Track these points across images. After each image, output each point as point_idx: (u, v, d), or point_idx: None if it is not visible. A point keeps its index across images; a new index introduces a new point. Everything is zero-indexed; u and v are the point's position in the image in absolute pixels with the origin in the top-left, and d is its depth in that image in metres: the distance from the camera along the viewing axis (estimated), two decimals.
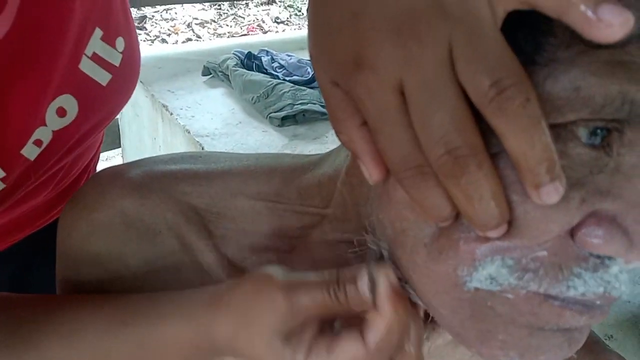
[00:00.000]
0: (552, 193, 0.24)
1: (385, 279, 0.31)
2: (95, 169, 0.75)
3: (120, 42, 0.55)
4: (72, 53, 0.50)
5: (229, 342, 0.35)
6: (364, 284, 0.31)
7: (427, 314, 0.44)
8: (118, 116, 1.92)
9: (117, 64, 0.55)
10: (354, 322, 0.33)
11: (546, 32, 0.26)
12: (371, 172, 0.29)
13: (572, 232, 0.27)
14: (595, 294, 0.27)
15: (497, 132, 0.24)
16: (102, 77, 0.54)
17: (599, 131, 0.26)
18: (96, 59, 0.53)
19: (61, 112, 0.51)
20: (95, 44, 0.52)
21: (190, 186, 0.43)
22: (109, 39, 0.53)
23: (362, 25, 0.26)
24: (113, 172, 0.44)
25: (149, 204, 0.42)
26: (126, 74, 0.58)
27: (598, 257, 0.27)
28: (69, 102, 0.52)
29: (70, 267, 0.43)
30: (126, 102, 0.62)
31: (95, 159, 0.74)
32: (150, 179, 0.43)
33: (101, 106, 0.56)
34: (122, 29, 0.56)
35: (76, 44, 0.50)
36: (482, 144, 0.25)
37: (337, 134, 0.30)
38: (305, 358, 0.32)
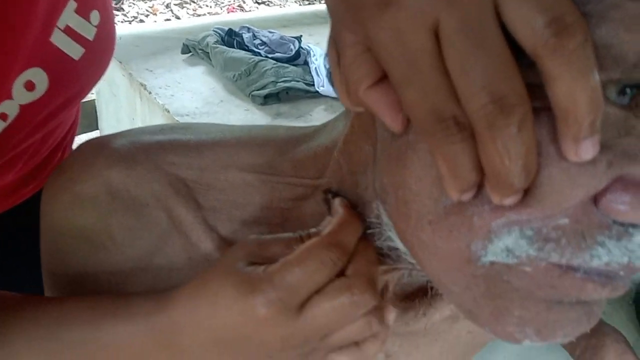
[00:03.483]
0: (589, 148, 0.22)
1: (342, 199, 0.35)
2: (70, 147, 0.72)
3: (95, 16, 0.53)
4: (43, 25, 0.48)
5: (188, 311, 0.34)
6: (326, 221, 0.35)
7: (425, 289, 0.42)
8: (95, 97, 1.87)
9: (90, 38, 0.53)
10: None
11: None
12: (394, 127, 0.27)
13: (596, 198, 0.25)
14: (619, 264, 0.25)
15: (549, 76, 0.21)
16: (75, 51, 0.52)
17: (628, 90, 0.24)
18: (69, 32, 0.51)
19: (29, 86, 0.49)
20: (69, 16, 0.50)
21: (179, 157, 0.42)
22: (83, 12, 0.51)
23: None
24: (98, 142, 0.42)
25: (135, 175, 0.40)
26: (100, 49, 0.56)
27: (622, 224, 0.25)
28: (38, 75, 0.50)
29: (54, 241, 0.42)
30: (99, 77, 0.59)
31: (69, 136, 0.71)
32: (137, 149, 0.41)
33: (73, 81, 0.54)
34: (97, 2, 0.54)
35: (48, 15, 0.48)
36: (527, 93, 0.22)
37: (348, 96, 0.27)
38: (264, 269, 0.33)
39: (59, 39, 0.49)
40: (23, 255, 0.66)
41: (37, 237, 0.45)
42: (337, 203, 0.35)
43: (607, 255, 0.25)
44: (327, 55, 0.29)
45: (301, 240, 0.34)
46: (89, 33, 0.52)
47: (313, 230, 0.35)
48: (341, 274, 0.33)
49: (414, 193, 0.28)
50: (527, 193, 0.25)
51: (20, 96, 0.49)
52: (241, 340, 0.33)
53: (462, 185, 0.25)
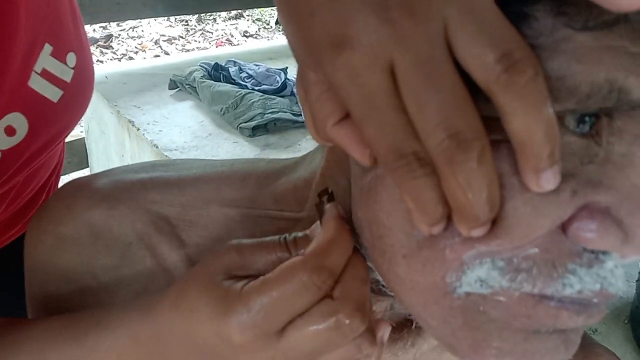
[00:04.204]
0: (550, 178, 0.23)
1: (334, 206, 0.31)
2: (55, 187, 0.72)
3: (71, 58, 0.54)
4: (20, 70, 0.48)
5: (167, 322, 0.33)
6: (315, 227, 0.32)
7: (411, 320, 0.42)
8: (84, 135, 1.87)
9: (68, 79, 0.54)
10: None
11: (528, 17, 0.24)
12: (362, 157, 0.26)
13: (564, 227, 0.25)
14: (592, 291, 0.25)
15: (503, 111, 0.22)
16: (53, 94, 0.52)
17: (587, 118, 0.25)
18: (46, 75, 0.51)
19: (10, 131, 0.50)
20: (45, 60, 0.51)
21: (161, 194, 0.41)
22: (59, 55, 0.52)
23: (340, 1, 0.23)
24: (79, 183, 0.43)
25: (118, 214, 0.40)
26: (78, 90, 0.56)
27: (592, 252, 0.25)
28: (18, 120, 0.50)
29: (38, 282, 0.42)
30: (79, 118, 0.60)
31: (54, 177, 0.71)
32: (118, 188, 0.41)
33: (52, 123, 0.55)
34: (73, 44, 0.55)
35: (24, 60, 0.48)
36: (483, 127, 0.22)
37: (317, 133, 0.27)
38: (241, 288, 0.30)
39: (36, 83, 0.50)
40: (9, 298, 0.65)
41: (18, 283, 0.45)
42: (329, 212, 0.32)
43: (579, 283, 0.25)
44: (297, 92, 0.29)
45: (285, 245, 0.32)
46: (66, 75, 0.53)
47: (299, 234, 0.32)
48: (328, 294, 0.31)
49: (387, 227, 0.28)
50: (495, 225, 0.25)
51: (1, 141, 0.49)
52: (220, 358, 0.32)
53: (430, 219, 0.25)
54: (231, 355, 0.31)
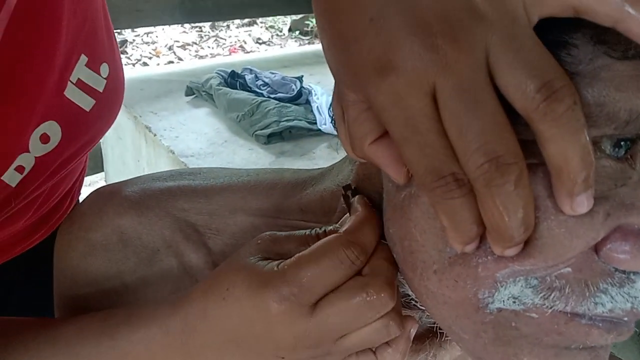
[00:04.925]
0: (584, 202, 0.23)
1: (361, 197, 0.34)
2: (79, 193, 0.73)
3: (104, 68, 0.55)
4: (58, 80, 0.49)
5: (200, 310, 0.33)
6: (345, 218, 0.33)
7: (434, 331, 0.42)
8: (100, 140, 1.89)
9: (100, 89, 0.54)
10: None
11: (568, 44, 0.24)
12: (397, 176, 0.28)
13: (597, 247, 0.26)
14: (622, 310, 0.26)
15: (541, 137, 0.22)
16: (86, 103, 0.53)
17: (622, 143, 0.25)
18: (81, 85, 0.52)
19: (45, 139, 0.50)
20: (81, 70, 0.52)
21: (189, 203, 0.42)
22: (93, 65, 0.53)
23: (385, 28, 0.24)
24: (109, 190, 0.43)
25: (147, 222, 0.41)
26: (110, 99, 0.57)
27: (624, 272, 0.26)
28: (52, 128, 0.51)
29: (68, 287, 0.43)
30: (109, 126, 0.61)
31: (78, 183, 0.72)
32: (147, 196, 0.42)
33: (84, 131, 0.56)
34: (106, 55, 0.55)
35: (62, 71, 0.49)
36: (521, 152, 0.23)
37: (353, 150, 0.28)
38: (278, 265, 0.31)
39: (71, 93, 0.51)
40: (30, 302, 0.66)
41: (45, 283, 0.45)
42: (356, 201, 0.34)
43: (611, 302, 0.26)
44: (333, 110, 0.30)
45: (317, 237, 0.33)
46: (99, 85, 0.54)
47: (329, 227, 0.34)
48: (358, 273, 0.32)
49: (419, 244, 0.29)
50: (529, 244, 0.25)
51: (36, 149, 0.50)
52: (253, 339, 0.32)
53: (464, 238, 0.25)
54: (267, 328, 0.31)
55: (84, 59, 0.51)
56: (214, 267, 0.42)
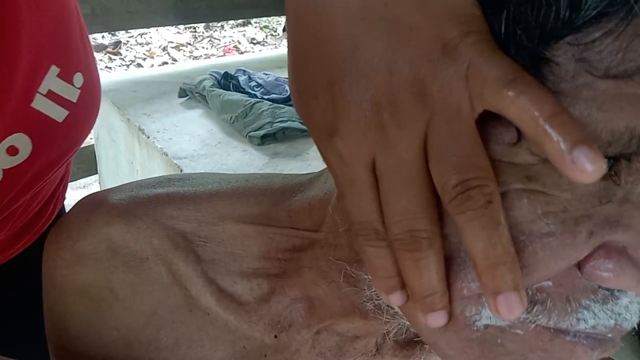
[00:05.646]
0: (514, 304, 0.24)
1: None
2: (63, 198, 0.72)
3: (78, 78, 0.53)
4: (22, 92, 0.48)
5: None
6: None
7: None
8: (94, 142, 1.88)
9: (74, 100, 0.53)
10: None
11: (550, 62, 0.24)
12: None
13: (580, 264, 0.26)
14: (606, 327, 0.26)
15: (457, 227, 0.24)
16: (58, 114, 0.52)
17: (606, 161, 0.25)
18: (51, 96, 0.51)
19: (12, 151, 0.49)
20: (51, 81, 0.50)
21: (177, 210, 0.42)
22: (66, 76, 0.52)
23: (338, 94, 0.26)
24: (97, 198, 0.43)
25: (135, 230, 0.41)
26: (85, 109, 0.56)
27: (607, 289, 0.26)
28: (21, 140, 0.50)
29: (56, 298, 0.42)
30: (86, 135, 0.60)
31: (61, 188, 0.71)
32: (135, 204, 0.42)
33: (58, 142, 0.54)
34: (81, 64, 0.54)
35: (27, 83, 0.48)
36: (439, 229, 0.26)
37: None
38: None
39: (41, 104, 0.50)
40: (12, 311, 0.65)
41: (28, 291, 0.45)
42: None
43: (593, 319, 0.25)
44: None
45: None
46: (72, 95, 0.52)
47: None
48: None
49: None
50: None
51: (3, 161, 0.48)
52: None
53: (384, 286, 0.28)
54: None
55: (54, 69, 0.50)
56: (203, 276, 0.41)
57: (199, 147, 1.38)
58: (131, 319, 0.41)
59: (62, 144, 0.55)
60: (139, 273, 0.41)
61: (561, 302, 0.26)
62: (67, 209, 0.48)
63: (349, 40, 0.25)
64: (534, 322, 0.26)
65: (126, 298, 0.41)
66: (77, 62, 0.53)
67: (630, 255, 0.25)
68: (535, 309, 0.26)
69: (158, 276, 0.41)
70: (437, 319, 0.27)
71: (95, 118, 0.60)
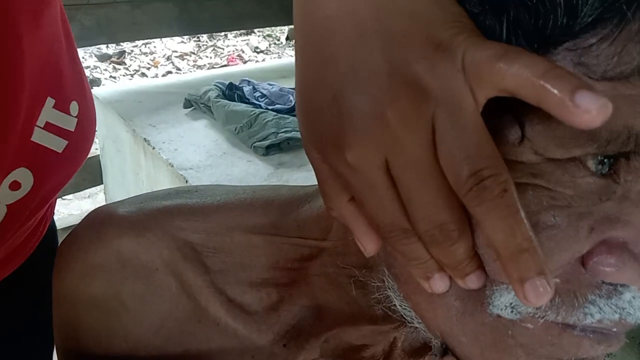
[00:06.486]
0: (541, 290, 0.24)
1: None
2: (51, 214, 0.71)
3: (74, 107, 0.53)
4: (22, 127, 0.48)
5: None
6: None
7: (430, 347, 0.42)
8: (99, 152, 1.89)
9: (72, 129, 0.53)
10: None
11: None
12: (365, 246, 0.30)
13: (584, 261, 0.27)
14: (611, 321, 0.27)
15: (475, 219, 0.25)
16: (58, 145, 0.52)
17: (606, 160, 0.26)
18: (50, 127, 0.51)
19: (15, 186, 0.49)
20: (48, 113, 0.51)
21: (186, 221, 0.42)
22: (62, 107, 0.52)
23: (343, 106, 0.26)
24: (107, 211, 0.43)
25: (145, 242, 0.41)
26: (82, 136, 0.56)
27: (611, 284, 0.27)
28: (23, 174, 0.50)
29: (66, 309, 0.43)
30: (82, 162, 0.60)
31: (50, 210, 0.70)
32: (145, 216, 0.42)
33: (57, 172, 0.54)
34: (75, 93, 0.54)
35: (27, 117, 0.48)
36: (464, 216, 0.26)
37: (328, 207, 0.31)
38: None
39: (40, 137, 0.50)
40: (6, 326, 0.65)
41: (22, 308, 0.44)
42: None
43: (599, 313, 0.27)
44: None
45: None
46: (70, 125, 0.53)
47: None
48: None
49: None
50: None
51: (6, 197, 0.48)
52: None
53: (422, 273, 0.28)
54: None
55: (50, 101, 0.50)
56: (212, 287, 0.42)
57: (204, 157, 1.38)
58: (140, 330, 0.41)
59: (59, 174, 0.55)
60: (148, 284, 0.41)
61: (569, 298, 0.27)
62: (69, 219, 0.48)
63: (349, 56, 0.26)
64: (543, 317, 0.27)
65: (135, 309, 0.41)
66: (71, 91, 0.53)
67: (631, 251, 0.26)
68: (544, 304, 0.27)
69: (167, 287, 0.41)
70: (472, 281, 0.27)
71: (91, 145, 0.60)
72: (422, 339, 0.43)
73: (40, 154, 0.51)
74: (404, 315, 0.36)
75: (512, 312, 0.28)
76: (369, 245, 0.30)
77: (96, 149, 1.92)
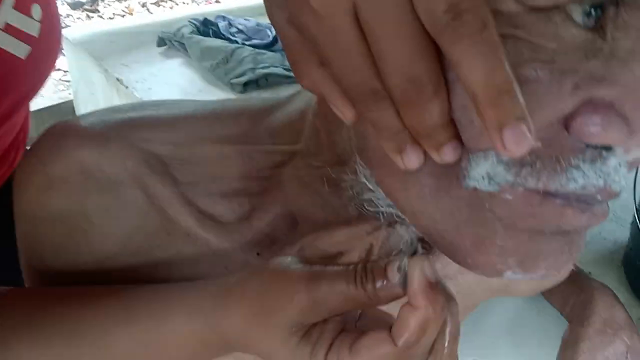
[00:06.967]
0: (522, 136, 0.21)
1: (420, 271, 0.27)
2: (23, 149, 0.69)
3: (36, 10, 0.51)
4: None
5: (240, 337, 0.33)
6: (394, 275, 0.28)
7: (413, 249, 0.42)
8: (72, 97, 1.84)
9: (35, 34, 0.51)
10: (380, 319, 0.31)
11: None
12: (343, 111, 0.27)
13: (567, 123, 0.25)
14: (595, 187, 0.25)
15: (452, 61, 0.22)
16: (21, 50, 0.50)
17: (593, 12, 0.24)
18: (11, 30, 0.48)
19: None
20: (8, 12, 0.48)
21: (152, 133, 0.41)
22: (22, 7, 0.49)
23: None
24: (68, 123, 0.42)
25: (108, 154, 0.40)
26: (46, 46, 0.54)
27: (595, 147, 0.25)
28: None
29: (29, 225, 0.41)
30: (47, 77, 0.58)
31: (21, 138, 0.69)
32: (108, 127, 0.41)
33: (21, 82, 0.52)
34: None
35: None
36: (440, 72, 0.24)
37: (299, 79, 0.29)
38: (324, 358, 0.29)
39: (1, 40, 0.47)
40: None
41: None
42: (416, 280, 0.27)
43: (583, 178, 0.25)
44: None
45: (355, 277, 0.29)
46: (33, 29, 0.50)
47: (372, 266, 0.29)
48: None
49: None
50: None
51: None
52: None
53: (393, 145, 0.26)
54: None
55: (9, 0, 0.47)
56: (182, 198, 0.40)
57: (179, 96, 1.35)
58: (107, 245, 0.40)
59: (25, 85, 0.53)
60: (114, 197, 0.40)
61: (550, 163, 0.25)
62: None
63: None
64: (523, 185, 0.26)
65: (101, 223, 0.40)
66: None
67: (617, 110, 0.24)
68: (523, 170, 0.25)
69: (134, 200, 0.40)
70: (448, 154, 0.25)
71: (57, 58, 0.58)
72: (399, 245, 0.42)
73: (2, 59, 0.48)
74: (378, 212, 0.35)
75: (489, 183, 0.26)
76: (347, 111, 0.27)
77: (69, 94, 1.86)
